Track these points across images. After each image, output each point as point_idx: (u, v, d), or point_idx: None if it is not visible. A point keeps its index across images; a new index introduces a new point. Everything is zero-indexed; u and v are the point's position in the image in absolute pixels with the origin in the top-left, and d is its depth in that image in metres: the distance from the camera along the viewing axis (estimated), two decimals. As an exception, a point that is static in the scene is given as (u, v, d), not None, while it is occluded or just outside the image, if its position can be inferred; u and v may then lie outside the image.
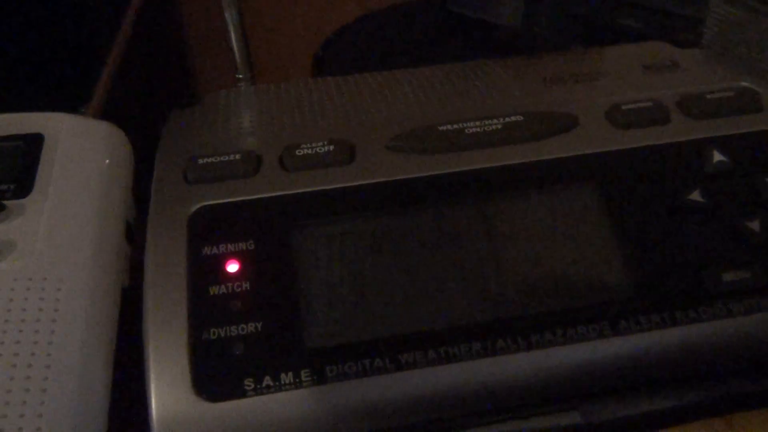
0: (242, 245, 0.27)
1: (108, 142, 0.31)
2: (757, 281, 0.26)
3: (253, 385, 0.24)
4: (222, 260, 0.26)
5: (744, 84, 0.33)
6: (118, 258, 0.28)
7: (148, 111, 0.41)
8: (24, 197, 0.28)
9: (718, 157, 0.29)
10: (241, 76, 0.39)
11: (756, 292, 0.26)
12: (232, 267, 0.26)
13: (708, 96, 0.31)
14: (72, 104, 0.34)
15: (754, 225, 0.27)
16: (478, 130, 0.30)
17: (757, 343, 0.26)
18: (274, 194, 0.28)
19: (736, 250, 0.27)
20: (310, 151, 0.29)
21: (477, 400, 0.25)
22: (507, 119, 0.31)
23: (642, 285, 0.26)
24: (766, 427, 0.23)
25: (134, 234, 0.30)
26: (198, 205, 0.28)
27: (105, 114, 0.35)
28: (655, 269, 0.27)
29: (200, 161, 0.29)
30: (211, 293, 0.26)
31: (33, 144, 0.30)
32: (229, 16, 0.39)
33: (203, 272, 0.26)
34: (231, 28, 0.39)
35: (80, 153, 0.30)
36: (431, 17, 0.54)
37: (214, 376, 0.24)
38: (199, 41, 0.57)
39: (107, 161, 0.30)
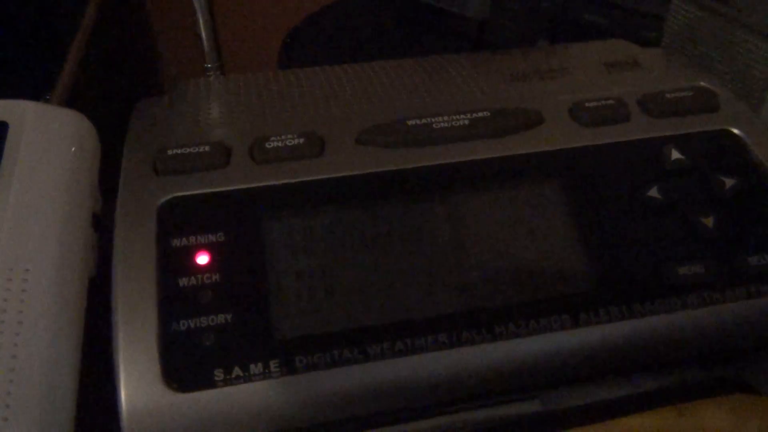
0: (212, 237, 0.27)
1: (74, 130, 0.31)
2: (710, 275, 0.27)
3: (222, 376, 0.24)
4: (192, 252, 0.26)
5: (702, 84, 0.34)
6: (85, 248, 0.28)
7: (114, 100, 0.41)
8: (-12, 186, 0.27)
9: (676, 155, 0.30)
10: (209, 65, 0.39)
11: (709, 286, 0.27)
12: (202, 259, 0.26)
13: (667, 95, 0.32)
14: (36, 92, 0.34)
15: (709, 221, 0.28)
16: (446, 125, 0.31)
17: (708, 335, 0.27)
18: (244, 186, 0.28)
19: (692, 245, 0.28)
20: (280, 144, 0.29)
21: (442, 389, 0.26)
22: (474, 115, 0.31)
23: (602, 278, 0.27)
24: (712, 414, 0.25)
25: (101, 224, 0.30)
26: (167, 197, 0.28)
27: (70, 103, 0.35)
28: (615, 263, 0.28)
29: (169, 152, 0.29)
30: (181, 285, 0.26)
31: (-3, 132, 0.29)
32: (198, 4, 0.39)
33: (173, 264, 0.26)
34: (200, 17, 0.39)
35: (46, 141, 0.29)
36: (399, 7, 0.54)
37: (184, 366, 0.24)
38: (166, 30, 0.56)
39: (73, 150, 0.30)
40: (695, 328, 0.27)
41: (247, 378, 0.24)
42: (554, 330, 0.26)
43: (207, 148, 0.29)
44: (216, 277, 0.26)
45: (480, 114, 0.31)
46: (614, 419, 0.25)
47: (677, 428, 0.24)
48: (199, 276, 0.26)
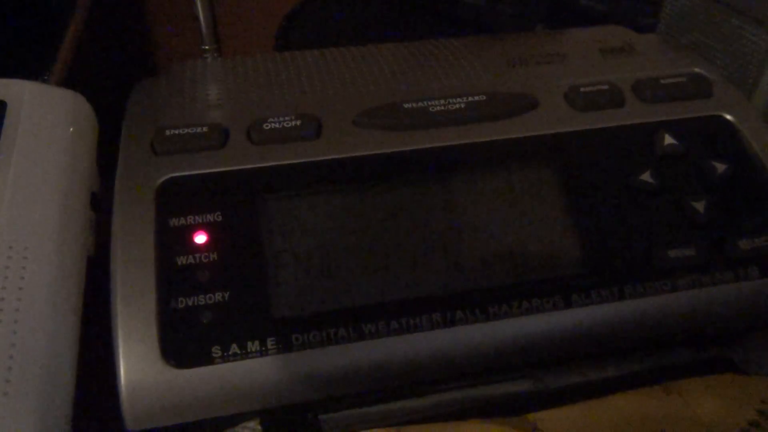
0: (209, 217, 0.27)
1: (72, 110, 0.31)
2: (700, 259, 0.28)
3: (220, 353, 0.25)
4: (189, 231, 0.27)
5: (696, 70, 0.34)
6: (83, 227, 0.28)
7: (112, 80, 0.41)
8: (-13, 165, 0.27)
9: (668, 140, 0.30)
10: (206, 47, 0.39)
11: (699, 269, 0.28)
12: (200, 238, 0.27)
13: (661, 81, 0.32)
14: (34, 72, 0.34)
15: (700, 205, 0.29)
16: (442, 108, 0.31)
17: (698, 317, 0.28)
18: (241, 167, 0.28)
19: (682, 228, 0.29)
20: (277, 125, 0.30)
21: (435, 368, 0.26)
22: (470, 98, 0.31)
23: (594, 260, 0.28)
24: (699, 393, 0.25)
25: (100, 204, 0.30)
26: (165, 177, 0.28)
27: (68, 82, 0.35)
28: (607, 246, 0.28)
29: (168, 133, 0.29)
30: (179, 263, 0.26)
31: (-5, 111, 0.29)
32: (195, -15, 0.38)
33: (171, 243, 0.26)
34: (197, -2, 0.39)
35: (44, 121, 0.29)
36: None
37: (182, 343, 0.25)
38: (163, 11, 0.56)
39: (71, 129, 0.30)
40: (685, 310, 0.27)
41: (244, 355, 0.25)
42: (547, 311, 0.27)
43: (205, 129, 0.29)
44: (213, 256, 0.26)
45: (476, 97, 0.31)
46: (602, 398, 0.26)
47: (664, 407, 0.25)
48: (197, 255, 0.26)
